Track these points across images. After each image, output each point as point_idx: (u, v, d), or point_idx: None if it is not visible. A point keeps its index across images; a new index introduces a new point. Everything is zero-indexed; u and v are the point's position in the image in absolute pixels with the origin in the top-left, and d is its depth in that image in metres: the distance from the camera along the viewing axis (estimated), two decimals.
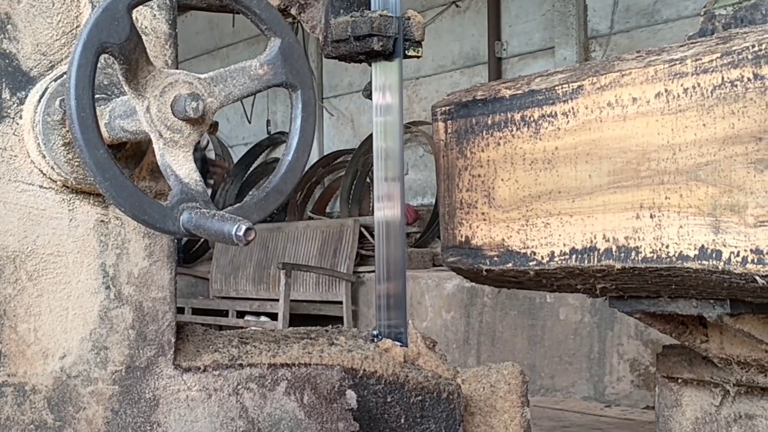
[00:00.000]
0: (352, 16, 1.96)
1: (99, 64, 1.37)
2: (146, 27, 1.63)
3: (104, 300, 1.61)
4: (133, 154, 1.60)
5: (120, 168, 1.38)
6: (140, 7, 1.48)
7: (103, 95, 1.56)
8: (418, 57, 2.02)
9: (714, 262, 1.69)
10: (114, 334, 1.62)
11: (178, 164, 1.43)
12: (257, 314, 8.05)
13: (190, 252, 10.00)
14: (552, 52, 7.91)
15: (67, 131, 1.53)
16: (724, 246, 1.68)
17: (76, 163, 1.54)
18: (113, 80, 1.58)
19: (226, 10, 1.59)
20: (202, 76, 1.46)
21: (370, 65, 2.04)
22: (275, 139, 10.76)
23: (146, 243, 1.65)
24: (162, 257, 1.66)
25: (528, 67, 7.99)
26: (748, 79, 1.64)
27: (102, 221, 1.62)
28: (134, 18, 1.38)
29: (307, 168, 9.64)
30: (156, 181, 1.64)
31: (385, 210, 2.03)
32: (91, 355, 1.60)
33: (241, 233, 1.32)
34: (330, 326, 2.02)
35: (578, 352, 5.70)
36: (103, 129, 1.49)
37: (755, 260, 1.63)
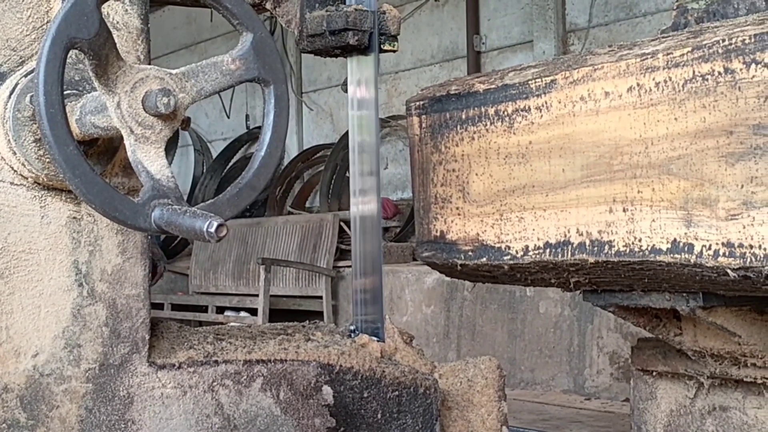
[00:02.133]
0: (327, 11, 1.95)
1: (71, 60, 1.36)
2: (118, 22, 1.61)
3: (77, 297, 1.60)
4: (105, 150, 1.59)
5: (90, 164, 1.36)
6: (111, 1, 1.46)
7: (75, 91, 1.55)
8: (393, 51, 2.02)
9: (686, 256, 1.70)
10: (87, 332, 1.60)
11: (150, 160, 1.42)
12: (237, 310, 8.03)
13: (170, 248, 9.95)
14: (531, 45, 7.91)
15: (38, 127, 1.51)
16: (696, 239, 1.69)
17: (47, 160, 1.53)
18: (84, 76, 1.57)
19: (199, 5, 1.58)
20: (174, 71, 1.45)
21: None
22: (254, 134, 10.69)
23: (119, 240, 1.64)
24: (135, 254, 1.65)
25: (507, 61, 7.99)
26: (719, 73, 1.64)
27: (74, 218, 1.60)
28: (105, 13, 1.37)
29: (286, 163, 9.61)
30: (129, 177, 1.63)
31: (362, 205, 2.02)
32: (64, 353, 1.58)
33: (212, 230, 1.31)
34: (307, 322, 2.01)
35: (558, 345, 5.73)
36: (74, 125, 1.48)
37: (727, 253, 1.64)
